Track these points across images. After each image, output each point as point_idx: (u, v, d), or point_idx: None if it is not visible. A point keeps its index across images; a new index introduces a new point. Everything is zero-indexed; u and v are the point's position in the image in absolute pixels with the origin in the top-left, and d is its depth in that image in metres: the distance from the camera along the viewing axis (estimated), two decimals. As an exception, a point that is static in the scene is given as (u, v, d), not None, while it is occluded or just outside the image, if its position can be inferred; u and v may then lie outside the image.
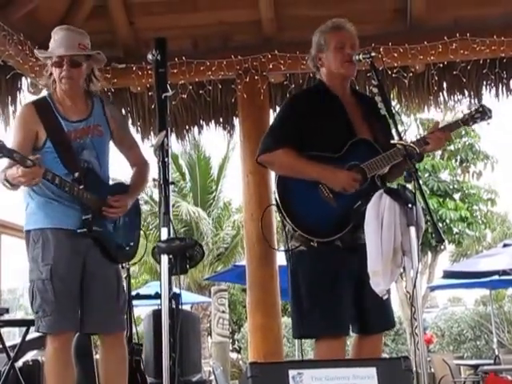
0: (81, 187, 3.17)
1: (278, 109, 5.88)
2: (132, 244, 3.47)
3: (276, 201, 3.11)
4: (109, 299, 3.29)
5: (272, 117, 5.74)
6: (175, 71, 5.30)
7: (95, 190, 3.24)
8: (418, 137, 3.27)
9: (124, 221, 3.42)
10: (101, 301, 3.26)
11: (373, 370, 2.46)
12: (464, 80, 5.66)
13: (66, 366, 3.18)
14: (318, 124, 3.12)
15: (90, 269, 3.25)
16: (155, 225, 15.85)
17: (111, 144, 3.50)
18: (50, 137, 3.22)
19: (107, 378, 3.37)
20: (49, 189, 3.18)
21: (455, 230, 14.74)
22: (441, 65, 5.57)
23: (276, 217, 5.77)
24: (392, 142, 2.92)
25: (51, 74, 3.34)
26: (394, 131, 2.98)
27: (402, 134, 2.92)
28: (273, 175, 5.55)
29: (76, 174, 3.18)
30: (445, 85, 5.82)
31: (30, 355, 4.64)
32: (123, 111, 5.98)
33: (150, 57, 2.92)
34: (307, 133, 3.12)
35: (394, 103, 5.90)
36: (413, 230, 2.75)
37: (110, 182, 3.53)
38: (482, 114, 3.26)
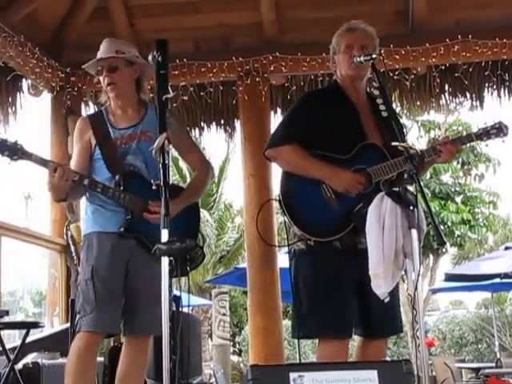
0: (119, 189, 3.27)
1: (279, 111, 5.89)
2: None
3: (278, 198, 3.10)
4: (152, 301, 3.14)
5: (273, 119, 5.76)
6: (176, 73, 5.31)
7: (139, 192, 3.28)
8: (428, 146, 3.25)
9: (175, 221, 3.38)
10: (144, 302, 3.25)
11: (374, 373, 2.45)
12: (466, 82, 5.67)
13: (86, 367, 3.19)
14: (328, 124, 3.11)
15: (133, 270, 3.28)
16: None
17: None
18: (99, 144, 3.37)
19: (126, 379, 3.34)
20: (97, 196, 3.31)
21: (457, 232, 14.74)
22: (442, 67, 5.57)
23: (278, 218, 5.77)
24: (394, 144, 2.91)
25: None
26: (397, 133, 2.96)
27: (405, 136, 2.90)
28: (274, 177, 5.59)
29: (117, 177, 3.29)
30: (446, 87, 5.82)
31: (30, 357, 4.63)
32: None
33: (150, 58, 2.91)
34: (316, 132, 3.11)
35: (395, 105, 5.91)
36: (414, 232, 2.72)
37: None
38: (498, 130, 3.20)
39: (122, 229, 3.26)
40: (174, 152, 3.28)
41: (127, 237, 3.27)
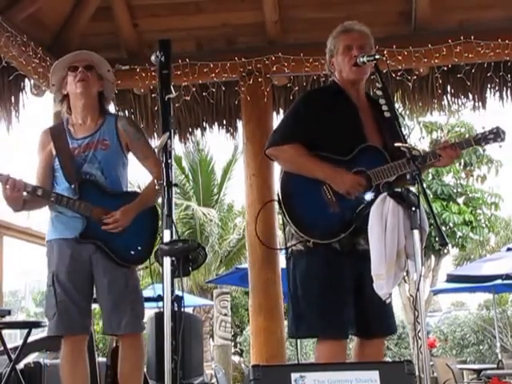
0: (75, 197, 3.42)
1: (281, 111, 5.88)
2: (140, 248, 3.53)
3: (278, 197, 3.10)
4: (116, 302, 3.40)
5: (275, 119, 5.75)
6: (179, 73, 5.30)
7: (95, 199, 3.44)
8: (429, 150, 3.26)
9: (133, 225, 3.49)
10: (108, 304, 3.42)
11: (375, 374, 2.46)
12: (468, 83, 5.66)
13: (76, 367, 3.37)
14: (328, 124, 3.11)
15: (96, 274, 3.44)
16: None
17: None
18: (58, 155, 3.52)
19: (121, 377, 3.50)
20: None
21: (459, 233, 14.73)
22: (445, 68, 5.56)
23: (279, 219, 5.77)
24: (395, 144, 2.91)
25: (65, 95, 3.61)
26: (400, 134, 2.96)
27: (406, 137, 2.90)
28: (276, 177, 5.59)
29: (73, 186, 3.44)
30: (449, 88, 5.81)
31: (31, 357, 4.65)
32: (126, 113, 6.00)
33: (153, 58, 2.92)
34: (317, 132, 3.11)
35: (397, 106, 5.90)
36: (416, 233, 2.73)
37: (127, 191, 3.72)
38: (496, 135, 3.23)
39: (77, 235, 3.41)
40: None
41: (85, 242, 3.42)
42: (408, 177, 2.79)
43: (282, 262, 5.41)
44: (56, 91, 3.66)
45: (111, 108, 5.18)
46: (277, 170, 4.10)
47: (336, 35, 3.25)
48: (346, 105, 3.20)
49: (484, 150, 15.21)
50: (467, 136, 3.29)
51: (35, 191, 3.38)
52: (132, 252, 3.50)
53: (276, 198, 3.14)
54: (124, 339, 3.48)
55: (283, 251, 3.33)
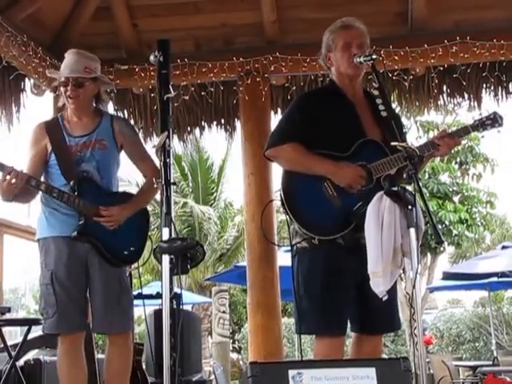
0: (74, 195, 3.41)
1: (279, 111, 5.91)
2: (133, 249, 3.56)
3: (280, 197, 3.10)
4: (109, 301, 3.42)
5: (273, 119, 5.78)
6: (177, 73, 5.32)
7: (92, 198, 3.45)
8: (426, 140, 3.28)
9: (127, 226, 3.51)
10: (101, 303, 3.42)
11: (372, 371, 2.47)
12: (464, 83, 5.69)
13: (74, 365, 3.38)
14: (327, 122, 3.12)
15: (91, 272, 3.44)
16: (157, 225, 15.89)
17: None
18: (54, 150, 3.50)
19: (109, 376, 3.51)
20: (52, 200, 3.44)
21: (455, 231, 14.74)
22: (441, 68, 5.59)
23: (277, 216, 5.80)
24: (393, 143, 2.93)
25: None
26: (396, 133, 2.98)
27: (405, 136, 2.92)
28: (274, 176, 5.62)
29: (71, 183, 3.43)
30: (445, 88, 5.84)
31: (31, 354, 4.67)
32: (125, 112, 6.02)
33: (152, 58, 2.94)
34: (316, 130, 3.12)
35: (394, 106, 5.93)
36: (413, 231, 2.74)
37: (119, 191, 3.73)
38: (493, 121, 3.25)
39: (75, 233, 3.41)
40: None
41: (81, 240, 3.42)
42: (405, 176, 2.82)
43: (280, 260, 5.45)
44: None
45: (110, 107, 5.22)
46: (275, 168, 4.13)
47: (335, 30, 3.25)
48: (342, 102, 3.21)
49: (483, 146, 15.23)
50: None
51: (39, 186, 3.39)
52: (125, 252, 3.52)
53: (278, 197, 3.15)
54: (114, 338, 3.50)
55: (283, 249, 3.35)
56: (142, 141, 4.74)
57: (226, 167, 19.24)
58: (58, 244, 3.42)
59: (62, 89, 3.52)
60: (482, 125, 3.25)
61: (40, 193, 3.49)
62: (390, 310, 3.12)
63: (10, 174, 3.28)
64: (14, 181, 3.28)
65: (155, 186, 3.61)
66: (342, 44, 3.19)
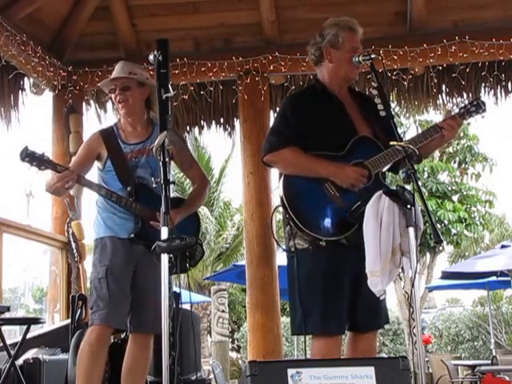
0: (131, 199, 3.52)
1: (278, 110, 5.92)
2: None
3: (282, 201, 3.08)
4: (151, 302, 3.41)
5: (272, 118, 5.78)
6: (177, 72, 5.34)
7: (147, 202, 3.52)
8: (430, 126, 3.30)
9: (179, 230, 3.51)
10: (152, 303, 3.39)
11: (371, 370, 2.47)
12: (463, 82, 5.71)
13: (96, 358, 3.41)
14: (319, 123, 3.12)
15: (141, 273, 3.52)
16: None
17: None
18: (111, 157, 3.63)
19: (130, 375, 3.55)
20: (110, 204, 3.58)
21: (453, 231, 14.75)
22: (440, 67, 5.61)
23: (276, 216, 5.81)
24: (391, 143, 2.93)
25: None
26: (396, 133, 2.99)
27: (402, 136, 2.93)
28: (273, 176, 5.64)
29: (128, 188, 3.55)
30: (444, 87, 5.86)
31: (30, 353, 4.66)
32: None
33: (151, 58, 2.93)
34: (309, 132, 3.12)
35: (393, 105, 5.95)
36: (411, 230, 2.75)
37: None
38: (477, 107, 3.28)
39: (132, 235, 3.51)
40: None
41: (137, 242, 3.51)
42: (403, 175, 2.82)
43: (279, 259, 5.46)
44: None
45: (109, 107, 5.21)
46: (274, 168, 4.11)
47: (343, 28, 3.22)
48: (332, 102, 3.21)
49: (482, 145, 15.25)
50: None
51: (99, 190, 3.53)
52: None
53: (280, 202, 3.12)
54: (139, 338, 3.55)
55: (281, 249, 3.33)
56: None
57: (227, 166, 19.22)
58: (114, 243, 3.52)
59: (112, 96, 3.64)
60: (468, 112, 3.28)
61: (96, 197, 3.62)
62: (379, 306, 3.11)
63: (69, 177, 3.38)
64: (69, 184, 3.40)
65: (206, 191, 3.82)
66: (350, 48, 3.18)
